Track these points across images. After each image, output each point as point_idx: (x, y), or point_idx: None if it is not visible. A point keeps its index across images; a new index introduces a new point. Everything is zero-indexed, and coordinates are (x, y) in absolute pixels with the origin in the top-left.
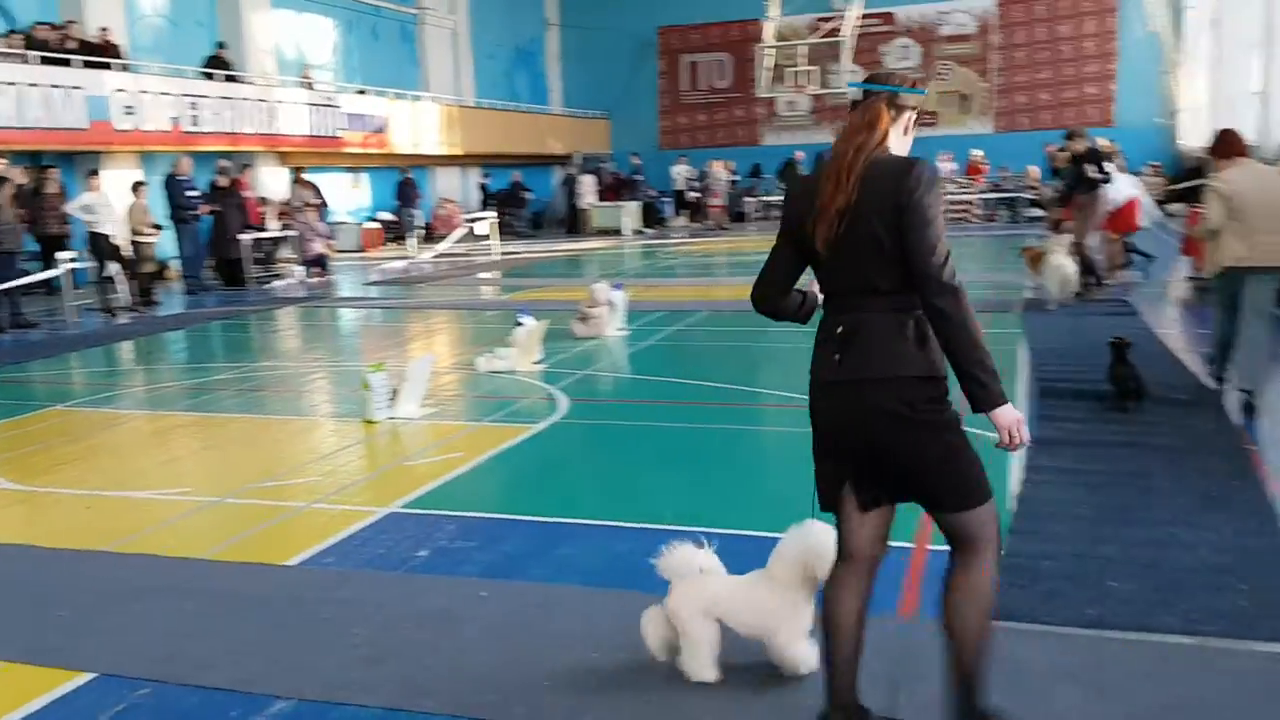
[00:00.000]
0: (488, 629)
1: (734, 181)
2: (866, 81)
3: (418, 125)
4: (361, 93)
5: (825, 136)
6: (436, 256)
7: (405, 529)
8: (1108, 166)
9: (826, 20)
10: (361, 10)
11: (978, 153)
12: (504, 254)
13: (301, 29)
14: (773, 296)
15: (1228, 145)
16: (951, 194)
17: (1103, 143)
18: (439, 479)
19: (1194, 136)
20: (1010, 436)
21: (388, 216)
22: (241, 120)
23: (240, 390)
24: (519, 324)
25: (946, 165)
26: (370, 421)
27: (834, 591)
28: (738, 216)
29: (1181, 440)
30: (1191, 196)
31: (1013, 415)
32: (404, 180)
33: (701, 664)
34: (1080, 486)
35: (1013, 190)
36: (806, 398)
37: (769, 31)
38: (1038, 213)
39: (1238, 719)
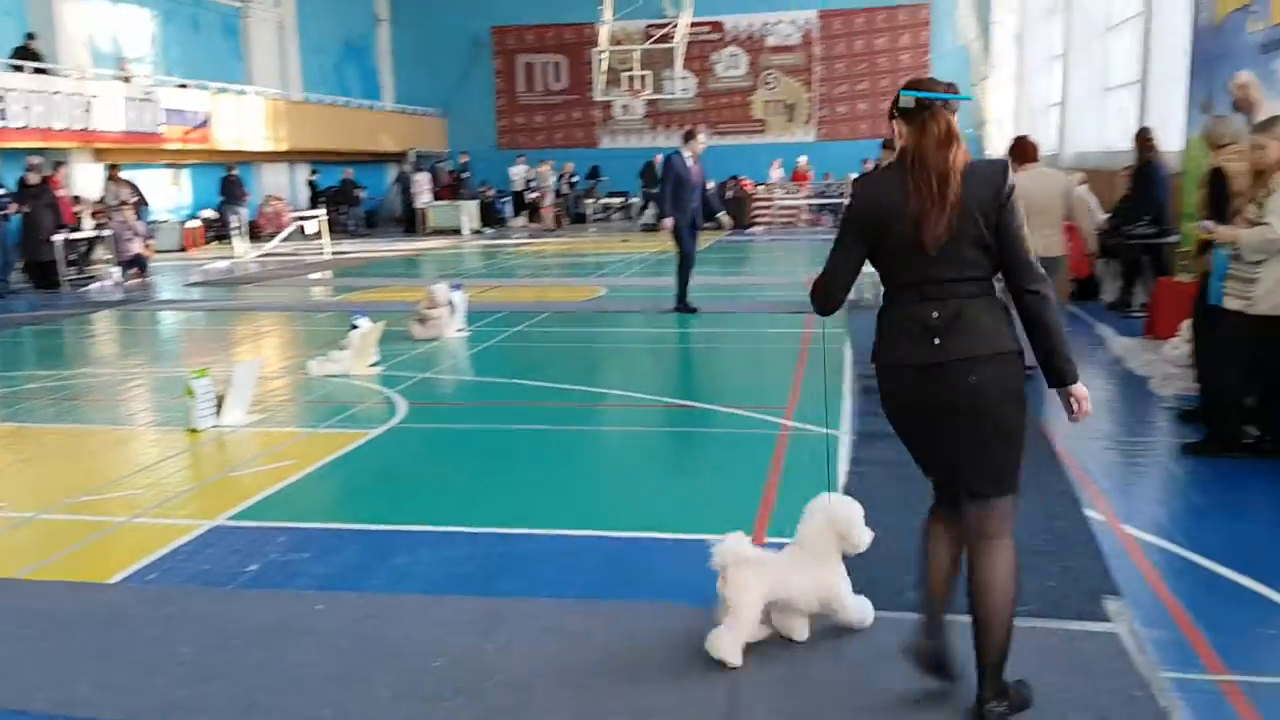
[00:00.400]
0: (323, 642)
1: (573, 183)
2: (920, 90)
3: (242, 120)
4: (182, 87)
5: (661, 140)
6: (263, 256)
7: (233, 542)
8: None
9: (659, 27)
10: (181, 1)
11: (803, 159)
12: (336, 253)
13: (117, 20)
14: (842, 295)
15: (1023, 151)
16: (780, 199)
17: None
18: (268, 489)
19: (1001, 146)
20: (1081, 407)
21: (211, 215)
22: (53, 115)
23: (54, 399)
24: (354, 326)
25: (775, 172)
26: (194, 430)
27: (937, 544)
28: (578, 218)
29: None
30: None
31: (1085, 389)
32: (229, 177)
33: (738, 645)
34: (899, 477)
35: (838, 196)
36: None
37: (603, 35)
38: None
39: (1053, 692)
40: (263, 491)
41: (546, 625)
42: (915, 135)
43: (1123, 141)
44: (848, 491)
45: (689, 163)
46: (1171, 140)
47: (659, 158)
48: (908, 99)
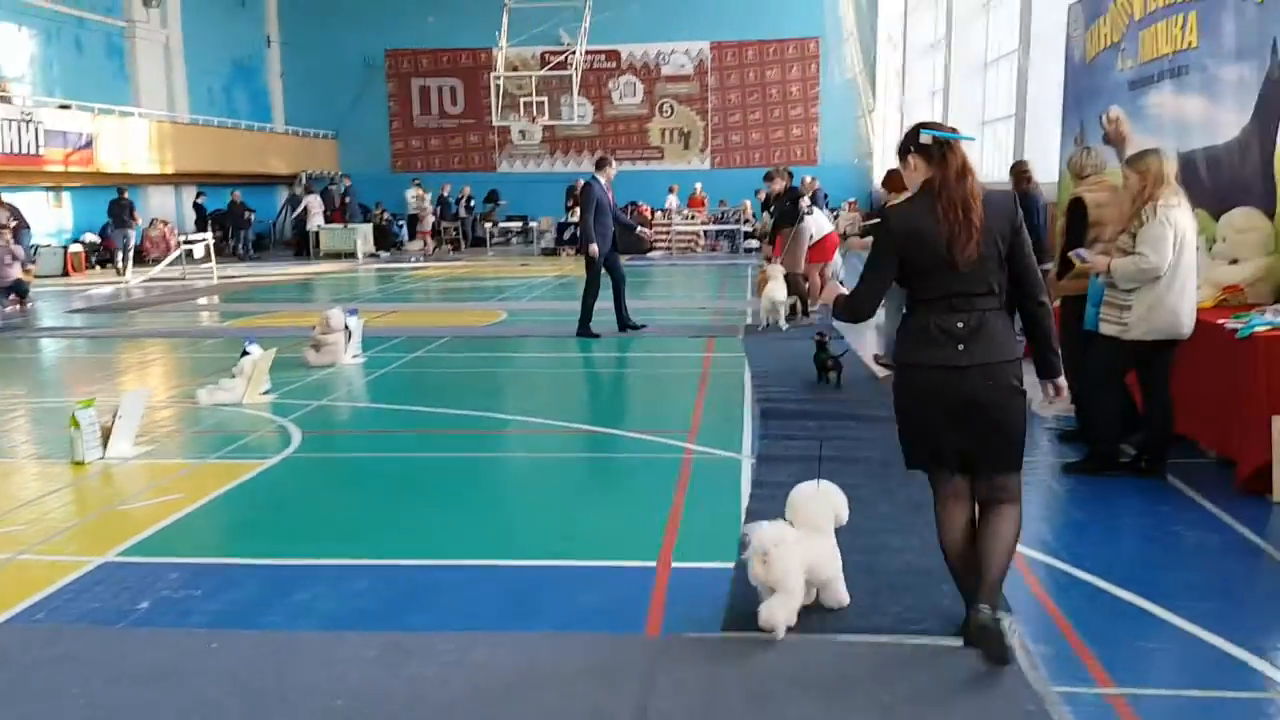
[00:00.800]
0: (220, 682)
1: (470, 206)
2: (936, 130)
3: (127, 142)
4: (64, 108)
5: (559, 165)
6: (148, 281)
7: (123, 579)
8: (804, 202)
9: (556, 54)
10: (63, 20)
11: (698, 186)
12: (225, 277)
13: None
14: (873, 307)
15: (895, 182)
16: (678, 225)
17: (807, 179)
18: (159, 523)
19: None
20: (1060, 393)
21: (94, 239)
22: None
23: None
24: (245, 352)
25: (672, 198)
26: (79, 463)
27: (955, 519)
28: (477, 241)
29: (882, 453)
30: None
31: (1064, 380)
32: (118, 199)
33: (792, 615)
34: None
35: (734, 222)
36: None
37: (500, 61)
38: (754, 244)
39: (943, 709)
40: (153, 526)
41: (452, 659)
42: (936, 169)
43: (1001, 173)
44: (750, 514)
45: (605, 188)
46: (1049, 172)
47: (580, 182)
48: (927, 136)
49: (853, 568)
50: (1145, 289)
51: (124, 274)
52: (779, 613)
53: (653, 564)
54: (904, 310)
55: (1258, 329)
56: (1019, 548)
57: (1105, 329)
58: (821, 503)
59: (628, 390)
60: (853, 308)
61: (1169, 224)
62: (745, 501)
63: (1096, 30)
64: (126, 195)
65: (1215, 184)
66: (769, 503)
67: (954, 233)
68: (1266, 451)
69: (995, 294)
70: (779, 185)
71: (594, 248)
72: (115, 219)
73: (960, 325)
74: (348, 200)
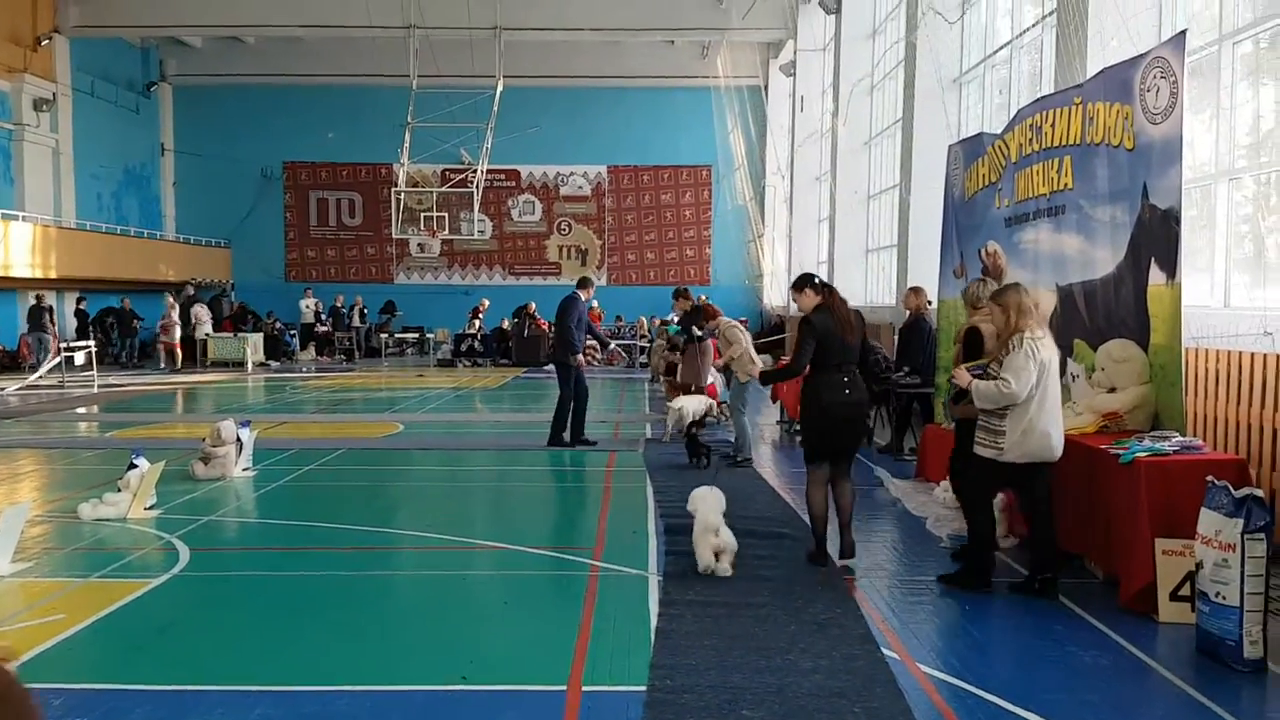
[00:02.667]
0: None
1: (364, 316)
2: (818, 277)
3: (9, 245)
4: None
5: (456, 278)
6: (25, 388)
7: None
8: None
9: (457, 171)
10: None
11: (595, 303)
12: (106, 386)
13: None
14: (805, 366)
15: (710, 311)
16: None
17: (703, 299)
18: (39, 646)
19: (776, 297)
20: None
21: None
22: None
23: None
24: (133, 465)
25: None
26: None
27: (823, 496)
28: (372, 351)
29: (787, 571)
30: (776, 348)
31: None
32: (37, 305)
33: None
34: (708, 618)
35: (630, 337)
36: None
37: (401, 176)
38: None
39: None
40: (34, 648)
41: None
42: (826, 296)
43: (884, 297)
44: (660, 633)
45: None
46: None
47: (532, 304)
48: (819, 280)
49: (764, 690)
50: (1016, 415)
51: (31, 377)
52: (727, 563)
53: (563, 688)
54: (808, 376)
55: (1139, 454)
56: (924, 669)
57: (981, 451)
58: (718, 497)
59: (531, 505)
60: (791, 369)
61: (1033, 355)
62: (654, 620)
63: (975, 170)
64: (46, 301)
65: (1091, 316)
66: (679, 621)
67: (845, 330)
68: (1150, 572)
69: (857, 363)
70: (685, 305)
71: (580, 358)
72: (34, 324)
73: (847, 379)
74: (194, 309)
